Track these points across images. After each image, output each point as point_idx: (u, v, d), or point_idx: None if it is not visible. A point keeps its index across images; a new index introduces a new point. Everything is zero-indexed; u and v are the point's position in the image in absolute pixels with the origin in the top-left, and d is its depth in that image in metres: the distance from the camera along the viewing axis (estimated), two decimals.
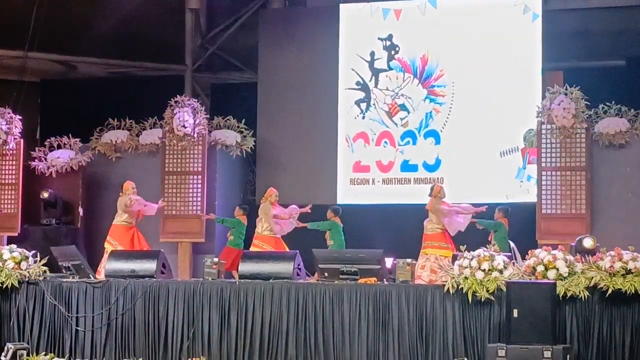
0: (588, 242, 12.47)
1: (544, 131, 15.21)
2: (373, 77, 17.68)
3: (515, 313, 10.90)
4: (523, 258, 12.03)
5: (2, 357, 12.53)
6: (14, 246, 13.62)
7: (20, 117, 16.73)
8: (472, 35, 17.12)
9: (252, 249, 14.87)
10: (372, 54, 17.68)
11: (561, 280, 11.25)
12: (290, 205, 15.47)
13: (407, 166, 17.32)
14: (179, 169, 16.55)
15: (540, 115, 15.25)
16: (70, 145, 16.96)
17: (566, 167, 15.11)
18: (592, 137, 15.18)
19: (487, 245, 12.29)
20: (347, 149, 17.65)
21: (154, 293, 12.69)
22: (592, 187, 15.04)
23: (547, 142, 15.17)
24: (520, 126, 16.30)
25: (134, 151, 17.09)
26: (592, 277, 11.18)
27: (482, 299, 11.40)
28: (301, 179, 17.55)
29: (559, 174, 15.12)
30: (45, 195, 16.56)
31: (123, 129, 17.26)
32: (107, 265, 13.43)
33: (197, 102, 16.97)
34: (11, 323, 13.11)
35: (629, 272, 11.09)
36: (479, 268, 11.51)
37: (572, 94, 15.02)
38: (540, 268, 11.38)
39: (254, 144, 17.19)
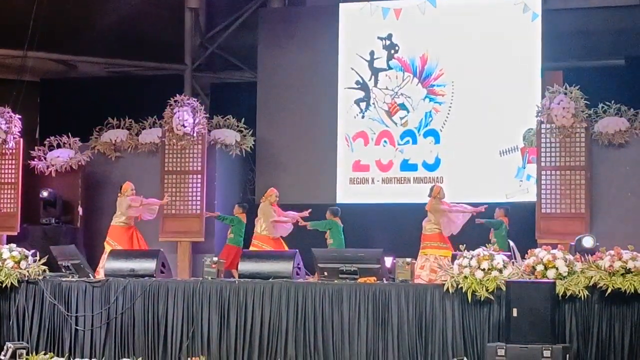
0: (587, 242, 12.47)
1: (543, 130, 15.21)
2: (373, 77, 17.68)
3: (514, 312, 10.90)
4: (523, 257, 12.03)
5: (2, 357, 12.53)
6: (13, 245, 13.61)
7: (20, 117, 16.73)
8: (471, 34, 17.12)
9: (251, 249, 14.86)
10: (372, 53, 17.68)
11: (561, 279, 11.25)
12: (289, 211, 15.43)
13: (406, 165, 17.32)
14: (178, 168, 16.55)
15: (539, 114, 15.25)
16: (69, 145, 16.96)
17: (566, 167, 15.11)
18: (592, 136, 15.18)
19: (487, 245, 12.29)
20: (346, 148, 17.65)
21: (153, 292, 12.69)
22: (591, 186, 15.05)
23: (547, 141, 15.18)
24: (519, 125, 16.30)
25: (134, 150, 17.09)
26: (592, 277, 11.18)
27: (482, 298, 11.40)
28: (301, 178, 17.55)
29: (559, 173, 15.12)
30: (45, 194, 16.56)
31: (123, 128, 17.26)
32: (106, 264, 13.42)
33: (197, 101, 16.96)
34: (10, 322, 13.10)
35: (628, 271, 11.09)
36: (479, 267, 11.50)
37: (571, 93, 15.01)
38: (539, 267, 11.38)
39: (253, 143, 17.19)
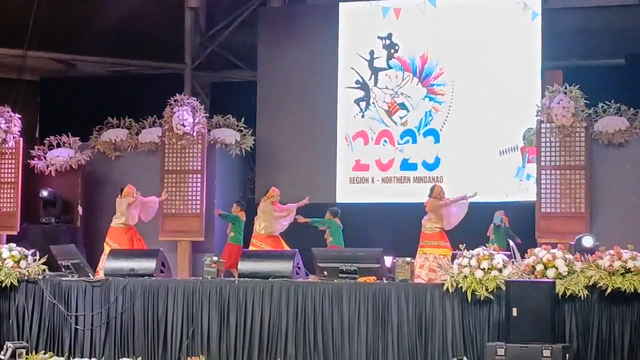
0: (587, 241, 12.47)
1: (543, 130, 15.20)
2: (372, 76, 17.68)
3: (514, 312, 10.90)
4: (522, 257, 12.02)
5: (2, 356, 12.53)
6: (13, 245, 13.60)
7: (20, 116, 16.73)
8: (471, 34, 17.12)
9: (250, 248, 14.87)
10: (372, 52, 17.68)
11: (560, 279, 11.25)
12: (287, 204, 15.46)
13: (406, 165, 17.33)
14: (178, 168, 16.55)
15: (539, 114, 15.25)
16: (69, 144, 16.96)
17: (565, 166, 15.11)
18: (592, 135, 15.18)
19: (487, 244, 12.29)
20: (346, 147, 17.65)
21: (153, 292, 12.68)
22: (591, 185, 15.04)
23: (547, 140, 15.17)
24: (519, 125, 16.31)
25: (134, 150, 17.09)
26: (592, 276, 11.18)
27: (482, 298, 11.40)
28: (301, 178, 17.55)
29: (559, 172, 15.12)
30: (45, 194, 16.56)
31: (122, 128, 17.26)
32: (106, 264, 13.42)
33: (197, 100, 16.97)
34: (10, 322, 13.10)
35: (628, 271, 11.08)
36: (479, 267, 11.50)
37: (571, 92, 15.01)
38: (539, 267, 11.37)
39: (253, 142, 17.19)
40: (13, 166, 16.60)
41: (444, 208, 14.20)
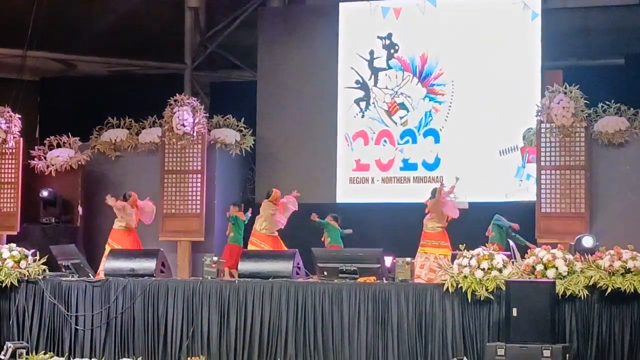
0: (587, 241, 12.48)
1: (543, 130, 15.20)
2: (372, 76, 17.68)
3: (514, 312, 10.91)
4: (522, 257, 12.03)
5: (2, 356, 12.53)
6: (13, 245, 13.62)
7: (20, 116, 16.71)
8: (471, 34, 17.12)
9: (249, 246, 14.88)
10: (372, 52, 17.68)
11: (560, 279, 11.25)
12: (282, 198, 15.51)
13: (406, 165, 17.32)
14: (178, 168, 16.54)
15: (539, 114, 15.24)
16: (69, 144, 16.94)
17: (565, 166, 15.10)
18: (592, 135, 15.17)
19: (487, 244, 12.29)
20: (346, 147, 17.65)
21: (153, 292, 12.69)
22: (591, 186, 15.04)
23: (547, 141, 15.16)
24: (519, 125, 16.30)
25: (134, 150, 17.08)
26: (592, 276, 11.19)
27: (482, 298, 11.40)
28: (301, 178, 17.53)
29: (559, 172, 15.11)
30: (45, 194, 16.55)
31: (122, 128, 17.24)
32: (106, 264, 13.43)
33: (197, 100, 16.95)
34: (10, 322, 13.11)
35: (628, 271, 11.10)
36: (479, 267, 11.51)
37: (571, 92, 15.00)
38: (539, 267, 11.38)
39: (253, 142, 17.17)
40: (13, 166, 16.59)
41: (444, 206, 14.17)
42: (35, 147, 17.08)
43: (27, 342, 12.89)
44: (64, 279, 13.19)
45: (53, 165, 16.76)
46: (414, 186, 17.05)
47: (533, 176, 15.83)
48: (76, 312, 12.92)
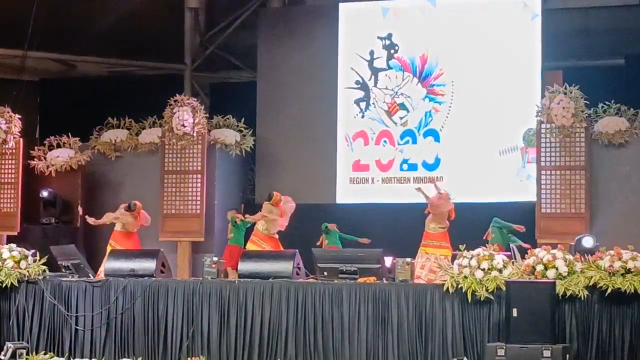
0: (587, 242, 12.48)
1: (543, 130, 15.21)
2: (372, 76, 17.68)
3: (514, 312, 10.90)
4: (522, 257, 12.02)
5: (2, 356, 12.53)
6: (13, 245, 13.60)
7: (20, 116, 16.72)
8: (471, 34, 17.12)
9: (249, 245, 14.87)
10: (372, 53, 17.68)
11: (561, 279, 11.25)
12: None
13: (406, 165, 17.32)
14: (178, 168, 16.54)
15: (539, 114, 15.25)
16: (69, 145, 16.95)
17: (565, 167, 15.11)
18: (592, 136, 15.18)
19: (487, 245, 12.29)
20: (346, 148, 17.65)
21: (153, 292, 12.69)
22: (591, 186, 15.05)
23: (547, 141, 15.18)
24: (519, 125, 16.32)
25: (134, 150, 17.08)
26: (592, 277, 11.18)
27: (482, 298, 11.40)
28: (301, 178, 17.54)
29: (559, 173, 15.12)
30: (45, 194, 16.56)
31: (122, 128, 17.25)
32: (106, 264, 13.42)
33: (197, 101, 16.97)
34: (10, 322, 13.10)
35: (628, 271, 11.09)
36: (479, 267, 11.51)
37: (571, 93, 15.02)
38: (539, 267, 11.38)
39: (253, 143, 17.19)
40: (13, 166, 16.59)
41: (443, 205, 14.16)
42: (35, 148, 17.09)
43: (27, 343, 12.88)
44: (64, 279, 13.18)
45: (53, 166, 16.76)
46: (414, 186, 16.94)
47: (533, 176, 15.84)
48: (76, 312, 12.91)
